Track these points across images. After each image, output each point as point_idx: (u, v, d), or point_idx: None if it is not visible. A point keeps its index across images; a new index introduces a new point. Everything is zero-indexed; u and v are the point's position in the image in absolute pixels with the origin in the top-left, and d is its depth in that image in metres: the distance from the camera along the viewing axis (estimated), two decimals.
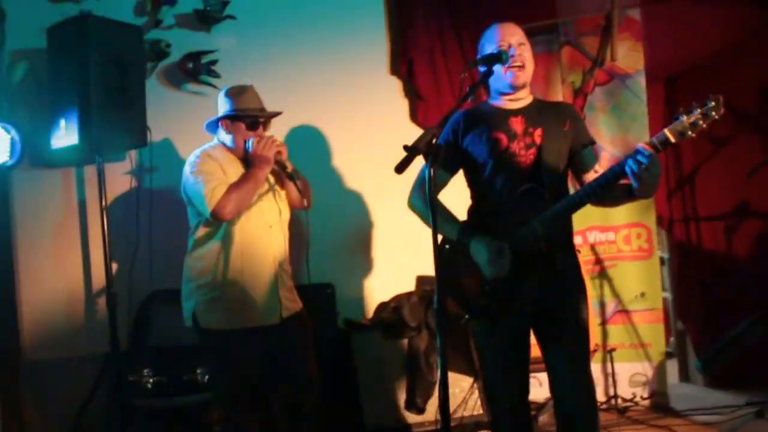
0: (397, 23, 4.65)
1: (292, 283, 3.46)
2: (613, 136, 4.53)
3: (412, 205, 3.01)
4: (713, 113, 2.38)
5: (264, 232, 3.31)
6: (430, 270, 4.38)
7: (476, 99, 2.79)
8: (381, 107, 4.64)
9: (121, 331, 3.91)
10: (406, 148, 2.39)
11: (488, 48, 2.81)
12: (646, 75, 4.53)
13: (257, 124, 3.30)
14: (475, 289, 2.78)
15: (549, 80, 4.61)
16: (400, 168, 2.37)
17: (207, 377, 3.75)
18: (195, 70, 4.29)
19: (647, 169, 2.41)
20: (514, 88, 2.81)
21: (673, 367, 5.03)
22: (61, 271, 4.19)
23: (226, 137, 3.35)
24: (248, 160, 3.28)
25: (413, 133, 4.62)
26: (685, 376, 5.14)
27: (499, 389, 2.91)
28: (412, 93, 4.67)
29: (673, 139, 2.40)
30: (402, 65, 4.62)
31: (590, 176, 2.81)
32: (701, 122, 2.38)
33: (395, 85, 4.70)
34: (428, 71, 4.57)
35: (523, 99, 2.86)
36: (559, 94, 4.57)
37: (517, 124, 2.81)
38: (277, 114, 3.42)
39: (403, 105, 4.71)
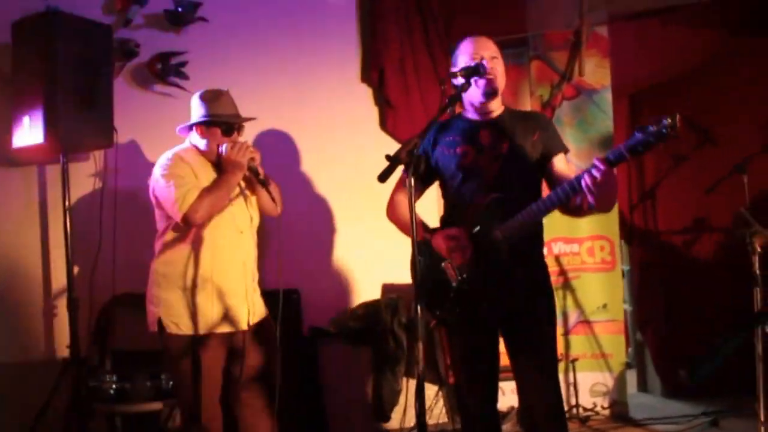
0: (370, 31, 4.66)
1: (261, 288, 3.43)
2: (580, 150, 4.60)
3: (389, 215, 3.06)
4: (669, 132, 2.33)
5: (235, 237, 3.26)
6: (395, 278, 4.50)
7: (453, 111, 2.79)
8: (351, 114, 4.65)
9: (82, 336, 3.82)
10: (388, 157, 2.40)
11: (462, 61, 2.83)
12: (612, 91, 4.62)
13: (233, 130, 3.27)
14: (442, 296, 2.79)
15: (518, 93, 4.66)
16: (383, 177, 2.39)
17: (171, 383, 3.68)
18: (164, 71, 4.24)
19: (600, 184, 2.43)
20: (486, 100, 2.82)
21: (631, 378, 5.12)
22: (21, 272, 4.08)
23: (199, 141, 3.29)
24: (220, 165, 3.24)
25: (382, 140, 4.67)
26: (643, 386, 5.25)
27: (469, 397, 2.93)
28: (382, 101, 4.68)
29: (628, 156, 2.41)
30: (373, 73, 4.63)
31: (556, 180, 2.83)
32: (655, 141, 2.35)
33: (366, 92, 4.71)
34: (399, 80, 4.60)
35: (495, 111, 2.89)
36: (528, 106, 4.63)
37: (485, 137, 2.83)
38: (251, 119, 3.39)
39: (373, 112, 4.72)
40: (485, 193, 2.77)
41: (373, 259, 4.58)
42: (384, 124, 4.68)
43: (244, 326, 3.24)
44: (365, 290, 4.60)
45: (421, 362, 2.34)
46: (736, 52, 4.78)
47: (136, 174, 4.17)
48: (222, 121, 3.24)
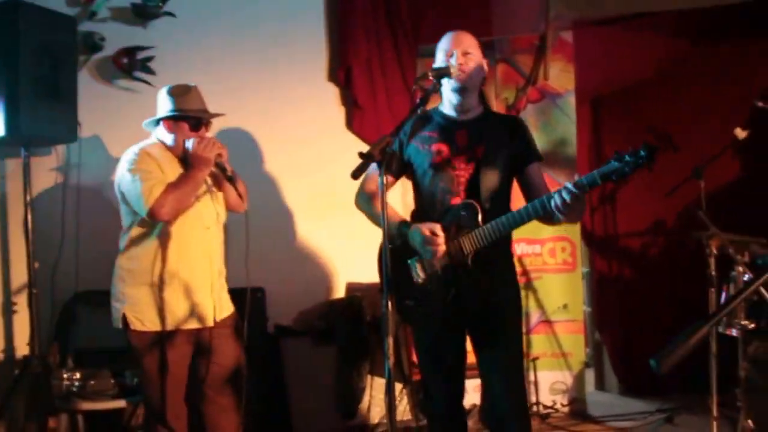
0: (337, 30, 4.67)
1: (227, 286, 3.42)
2: (542, 153, 4.58)
3: (359, 206, 3.01)
4: (644, 163, 2.35)
5: (201, 233, 3.25)
6: (359, 277, 4.51)
7: (423, 110, 2.81)
8: (317, 113, 4.65)
9: (43, 333, 3.77)
10: (361, 155, 2.44)
11: (438, 56, 2.86)
12: (575, 95, 4.71)
13: (200, 126, 3.25)
14: (407, 293, 2.82)
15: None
16: (356, 174, 2.43)
17: (135, 381, 3.65)
18: (130, 65, 4.20)
19: (569, 205, 2.49)
20: (459, 97, 2.84)
21: (590, 376, 5.24)
22: None
23: (166, 136, 3.27)
24: (187, 160, 3.21)
25: (348, 140, 4.68)
26: (600, 384, 5.37)
27: (435, 394, 2.96)
28: (349, 101, 4.70)
29: (600, 182, 2.46)
30: (340, 72, 4.64)
31: (533, 192, 2.88)
32: (630, 171, 2.37)
33: (333, 92, 4.71)
34: (366, 80, 4.61)
35: (473, 110, 2.89)
36: (493, 109, 4.67)
37: (461, 138, 2.84)
38: (219, 115, 3.38)
39: (339, 112, 4.73)
40: (456, 195, 2.80)
41: (337, 257, 4.60)
42: (350, 124, 4.70)
43: (210, 323, 3.24)
44: (330, 289, 4.62)
45: (391, 357, 2.34)
46: (696, 59, 4.91)
47: (100, 169, 4.15)
48: (190, 116, 3.23)
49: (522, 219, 2.65)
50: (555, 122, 4.70)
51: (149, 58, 4.22)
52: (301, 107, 4.59)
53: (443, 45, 2.87)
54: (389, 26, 4.64)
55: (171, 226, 3.16)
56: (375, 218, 2.88)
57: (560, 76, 4.67)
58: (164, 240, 3.17)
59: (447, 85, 2.82)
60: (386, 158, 2.42)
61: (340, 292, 4.60)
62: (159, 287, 3.16)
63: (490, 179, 2.81)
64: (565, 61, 4.68)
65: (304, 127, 4.59)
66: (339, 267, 4.61)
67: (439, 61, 2.84)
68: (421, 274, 2.78)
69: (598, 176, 2.44)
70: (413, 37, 4.65)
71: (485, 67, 2.91)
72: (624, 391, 5.16)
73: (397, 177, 2.99)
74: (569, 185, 2.48)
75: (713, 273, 3.78)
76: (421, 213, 2.92)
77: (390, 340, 2.34)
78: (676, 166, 4.75)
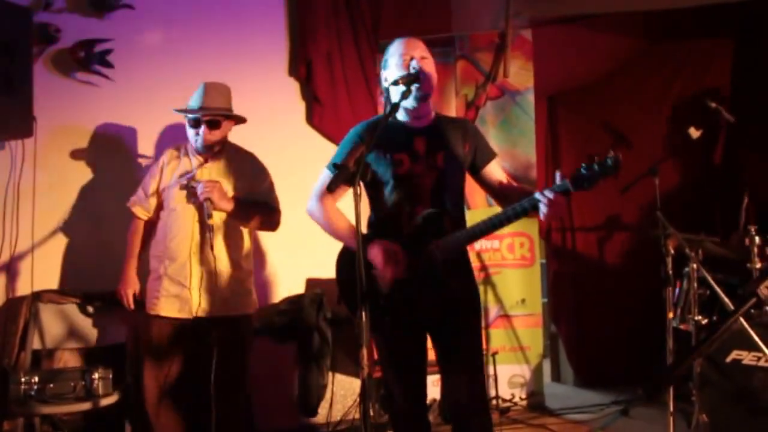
0: (298, 24, 4.66)
1: (242, 287, 3.51)
2: (501, 149, 4.71)
3: (311, 213, 2.97)
4: (610, 170, 2.50)
5: (192, 229, 3.39)
6: (319, 272, 4.52)
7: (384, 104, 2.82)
8: (277, 108, 4.65)
9: None
10: (336, 166, 2.49)
11: (393, 62, 2.84)
12: (534, 92, 4.79)
13: (198, 123, 3.42)
14: (370, 302, 2.80)
15: (443, 92, 4.76)
16: (332, 186, 2.47)
17: (96, 382, 3.60)
18: (87, 59, 4.13)
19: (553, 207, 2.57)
20: (419, 104, 2.83)
21: (546, 367, 5.35)
22: None
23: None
24: (208, 150, 3.47)
25: (308, 135, 4.70)
26: (556, 375, 5.51)
27: (397, 394, 2.99)
28: (309, 96, 4.70)
29: (572, 189, 2.52)
30: (300, 67, 4.64)
31: (497, 188, 2.93)
32: (599, 177, 2.50)
33: (293, 86, 4.71)
34: (326, 75, 4.63)
35: (426, 116, 2.90)
36: (453, 105, 4.74)
37: (420, 145, 2.84)
38: (218, 111, 3.48)
39: (299, 107, 4.73)
40: (418, 203, 2.79)
41: (296, 253, 4.59)
42: (310, 119, 4.71)
43: (187, 315, 3.36)
44: (289, 285, 4.62)
45: (366, 369, 2.36)
46: (650, 57, 5.06)
47: (57, 166, 4.07)
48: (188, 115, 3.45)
49: (497, 226, 2.68)
50: (514, 119, 4.77)
51: (107, 51, 4.16)
52: (261, 101, 4.54)
53: (398, 50, 2.84)
54: (350, 21, 4.66)
55: (167, 223, 3.44)
56: (329, 228, 2.89)
57: (520, 73, 4.75)
58: (160, 233, 3.49)
59: (413, 89, 2.78)
60: (360, 170, 2.43)
61: (299, 288, 4.61)
62: (151, 275, 3.48)
63: (453, 185, 2.85)
64: (524, 59, 4.75)
65: (264, 122, 4.51)
66: (298, 263, 4.60)
67: (393, 67, 2.82)
68: (385, 287, 2.78)
69: (571, 184, 2.51)
70: (373, 33, 4.69)
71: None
72: (579, 383, 5.31)
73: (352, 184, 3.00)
74: (548, 192, 2.53)
75: (669, 272, 3.90)
76: (384, 223, 2.89)
77: (364, 351, 2.37)
78: (630, 163, 4.84)
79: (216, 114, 3.44)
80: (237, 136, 4.46)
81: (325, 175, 2.86)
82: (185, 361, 3.42)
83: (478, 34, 4.80)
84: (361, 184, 2.92)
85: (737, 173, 4.99)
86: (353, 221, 2.89)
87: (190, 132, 3.47)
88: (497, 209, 2.79)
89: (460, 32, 4.81)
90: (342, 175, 2.45)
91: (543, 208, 2.54)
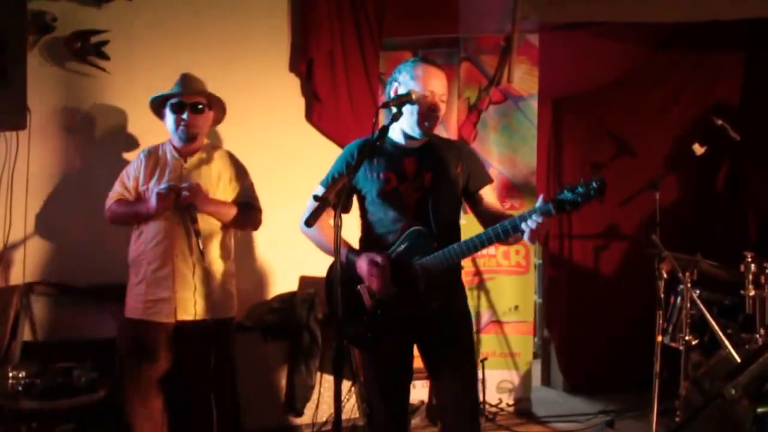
0: (301, 21, 4.65)
1: (224, 289, 3.57)
2: (501, 155, 4.80)
3: (303, 232, 3.02)
4: (596, 194, 2.46)
5: (174, 233, 3.42)
6: (313, 271, 4.58)
7: (376, 125, 2.82)
8: (277, 103, 4.67)
9: None
10: (316, 198, 2.54)
11: (413, 84, 2.82)
12: (538, 94, 4.80)
13: (183, 108, 3.47)
14: (355, 318, 2.88)
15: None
16: (311, 220, 2.51)
17: (83, 379, 3.69)
18: (83, 50, 4.12)
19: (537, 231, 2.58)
20: (422, 132, 2.86)
21: (536, 369, 5.47)
22: None
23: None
24: (188, 138, 3.51)
25: (307, 132, 4.73)
26: (546, 380, 5.61)
27: (377, 408, 3.04)
28: (309, 93, 4.71)
29: (554, 212, 2.53)
30: (302, 64, 4.65)
31: (487, 214, 2.96)
32: (582, 201, 2.48)
33: (294, 82, 4.72)
34: (327, 73, 4.63)
35: (421, 138, 2.92)
36: (455, 107, 4.76)
37: (409, 165, 2.90)
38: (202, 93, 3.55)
39: (299, 103, 4.75)
40: (404, 221, 2.86)
41: (291, 250, 4.61)
42: (310, 116, 4.73)
43: (169, 319, 3.42)
44: (282, 281, 4.69)
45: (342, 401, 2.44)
46: (658, 67, 5.06)
47: (51, 157, 4.13)
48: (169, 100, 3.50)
49: (481, 245, 2.72)
50: (516, 125, 4.80)
51: (103, 43, 4.16)
52: (260, 96, 4.60)
53: (421, 76, 2.82)
54: (353, 20, 4.65)
55: (151, 225, 3.45)
56: (321, 246, 2.99)
57: (524, 78, 4.76)
58: (144, 237, 3.48)
59: (411, 118, 2.82)
60: (341, 200, 2.48)
61: (292, 285, 4.68)
62: (134, 279, 3.51)
63: (439, 205, 2.88)
64: (529, 64, 4.76)
65: (262, 117, 4.60)
66: (293, 260, 4.64)
67: (410, 86, 2.81)
68: (370, 300, 2.87)
69: (553, 206, 2.52)
70: (377, 31, 4.68)
71: None
72: (568, 389, 5.42)
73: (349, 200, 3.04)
74: (534, 214, 2.54)
75: (661, 295, 3.95)
76: (370, 240, 2.97)
77: (341, 384, 2.45)
78: (632, 172, 4.94)
79: (201, 95, 3.51)
80: (234, 130, 4.52)
81: (313, 194, 2.91)
82: (167, 365, 3.49)
83: (484, 36, 4.80)
84: (355, 199, 3.03)
85: (740, 192, 5.02)
86: (348, 237, 3.00)
87: (172, 120, 3.50)
88: None
89: (465, 34, 4.81)
90: (321, 209, 2.50)
91: (526, 231, 2.56)
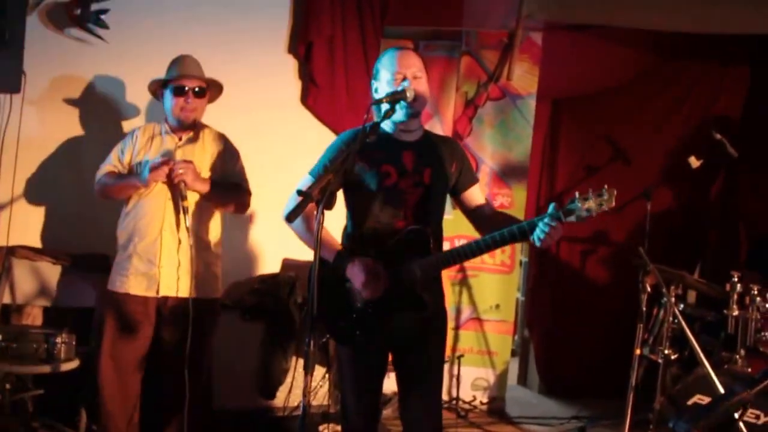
0: (303, 3, 4.69)
1: (210, 270, 3.66)
2: (495, 152, 4.87)
3: (290, 220, 3.08)
4: (605, 206, 2.48)
5: (164, 208, 3.51)
6: (297, 254, 4.66)
7: (368, 118, 2.87)
8: (273, 84, 4.72)
9: None
10: (300, 193, 2.55)
11: (383, 75, 2.90)
12: (537, 93, 4.86)
13: (184, 91, 3.54)
14: (342, 314, 2.90)
15: (444, 86, 4.84)
16: (292, 216, 2.53)
17: (59, 346, 3.77)
18: (82, 16, 4.19)
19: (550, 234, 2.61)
20: (408, 120, 2.90)
21: (514, 367, 5.58)
22: None
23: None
24: (182, 125, 3.59)
25: (301, 115, 4.78)
26: (523, 379, 5.72)
27: (351, 408, 3.08)
28: (306, 76, 4.76)
29: (564, 219, 2.53)
30: (300, 47, 4.69)
31: (476, 212, 3.02)
32: (594, 212, 2.49)
33: (291, 64, 4.78)
34: (325, 58, 4.68)
35: (415, 131, 2.96)
36: (452, 101, 4.82)
37: (408, 160, 2.91)
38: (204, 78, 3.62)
39: (295, 85, 4.80)
40: (402, 218, 2.87)
41: (276, 232, 4.66)
42: (305, 100, 4.78)
43: (152, 293, 3.51)
44: (265, 263, 4.79)
45: (309, 395, 2.52)
46: (660, 76, 5.11)
47: (44, 123, 4.20)
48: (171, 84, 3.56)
49: (485, 249, 2.74)
50: (512, 123, 4.86)
51: (103, 11, 4.22)
52: (256, 75, 4.64)
53: (391, 64, 2.89)
54: (356, 6, 4.69)
55: (138, 199, 3.54)
56: (306, 240, 2.96)
57: (524, 77, 4.82)
58: (132, 210, 3.58)
59: (398, 108, 2.83)
60: (325, 198, 2.52)
61: (275, 268, 4.77)
62: (121, 252, 3.60)
63: (437, 203, 2.94)
64: (530, 63, 4.82)
65: (256, 95, 4.63)
66: (278, 242, 4.71)
67: (384, 82, 2.88)
68: (359, 301, 2.85)
69: (563, 215, 2.52)
70: (380, 19, 4.72)
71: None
72: (544, 390, 5.53)
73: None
74: (548, 220, 2.54)
75: (644, 308, 4.02)
76: (361, 234, 2.95)
77: (309, 379, 2.52)
78: (626, 179, 5.00)
79: (202, 79, 3.60)
80: (226, 107, 4.57)
81: (306, 180, 2.92)
82: (146, 341, 3.58)
83: (487, 31, 4.85)
84: (343, 191, 3.09)
85: (733, 208, 5.09)
86: (332, 233, 3.00)
87: (172, 103, 3.56)
88: None
89: (469, 27, 4.84)
90: (304, 205, 2.56)
91: (541, 235, 2.56)
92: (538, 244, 2.61)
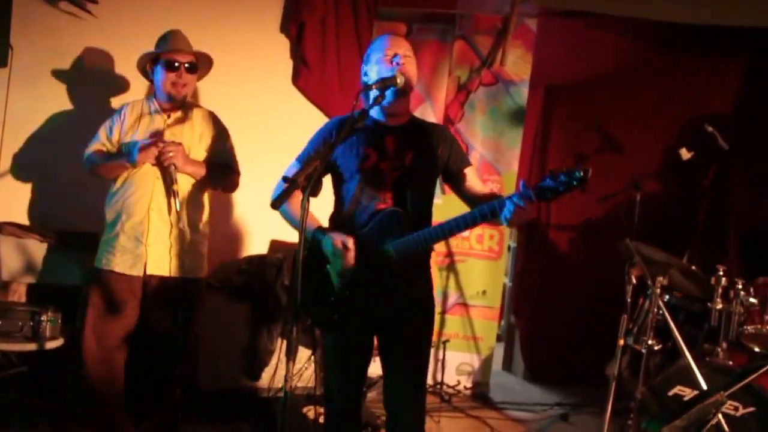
0: None
1: (196, 250, 3.67)
2: (486, 138, 4.90)
3: (276, 207, 2.98)
4: (579, 184, 2.47)
5: (152, 187, 3.52)
6: (284, 236, 4.69)
7: (356, 106, 2.91)
8: (264, 64, 4.74)
9: None
10: (285, 179, 2.62)
11: (374, 57, 2.95)
12: (530, 79, 4.89)
13: (176, 66, 3.54)
14: (321, 298, 2.95)
15: (436, 70, 4.86)
16: (278, 202, 2.59)
17: (45, 324, 3.79)
18: None
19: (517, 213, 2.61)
20: (395, 99, 2.92)
21: (499, 352, 5.65)
22: None
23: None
24: (172, 100, 3.58)
25: (292, 95, 4.79)
26: (508, 365, 5.80)
27: (335, 391, 3.15)
28: (297, 56, 4.77)
29: (534, 198, 2.55)
30: (292, 27, 4.70)
31: (471, 194, 3.02)
32: (564, 190, 2.49)
33: (283, 44, 4.78)
34: (317, 40, 4.69)
35: (402, 116, 3.00)
36: (444, 85, 4.84)
37: (390, 144, 2.95)
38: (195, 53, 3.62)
39: (287, 65, 4.81)
40: (382, 201, 2.91)
41: (265, 213, 4.67)
42: (296, 80, 4.80)
43: (138, 272, 3.51)
44: (253, 244, 4.81)
45: (289, 381, 2.56)
46: (654, 66, 5.14)
47: (32, 99, 4.20)
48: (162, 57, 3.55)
49: (456, 229, 2.77)
50: (505, 109, 4.90)
51: None
52: (248, 53, 4.66)
53: (381, 46, 2.95)
54: None
55: (126, 178, 3.53)
56: (290, 222, 3.01)
57: (517, 63, 4.85)
58: (121, 188, 3.57)
59: (387, 94, 2.88)
60: (311, 185, 2.56)
61: (263, 249, 4.80)
62: (109, 230, 3.59)
63: (418, 186, 2.95)
64: (524, 49, 4.84)
65: (247, 74, 4.66)
66: (266, 223, 4.71)
67: (374, 63, 2.93)
68: (338, 281, 2.96)
69: (533, 193, 2.54)
70: (374, 1, 4.72)
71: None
72: (528, 377, 5.62)
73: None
74: (515, 198, 2.57)
75: (628, 300, 4.09)
76: (343, 217, 3.00)
77: (291, 365, 2.58)
78: (617, 168, 5.05)
79: (194, 54, 3.60)
80: (216, 85, 4.58)
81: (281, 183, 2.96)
82: (132, 320, 3.59)
83: (481, 16, 4.86)
84: (331, 176, 3.13)
85: (723, 200, 5.15)
86: (319, 218, 3.05)
87: (163, 78, 3.56)
88: None
89: (463, 11, 4.85)
90: (289, 191, 2.60)
91: (508, 215, 2.59)
92: (504, 223, 2.64)
